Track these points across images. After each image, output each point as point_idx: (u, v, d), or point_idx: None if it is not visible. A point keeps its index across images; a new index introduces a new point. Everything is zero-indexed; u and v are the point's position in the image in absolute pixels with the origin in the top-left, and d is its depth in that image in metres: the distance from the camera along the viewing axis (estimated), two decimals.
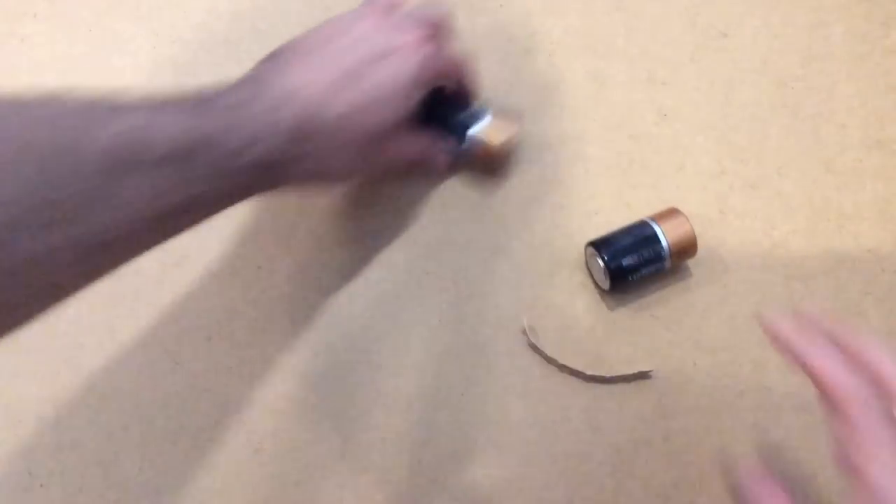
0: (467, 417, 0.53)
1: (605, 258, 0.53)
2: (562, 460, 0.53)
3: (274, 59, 0.47)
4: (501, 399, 0.54)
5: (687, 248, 0.54)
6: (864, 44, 0.64)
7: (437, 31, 0.52)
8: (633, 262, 0.53)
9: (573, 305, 0.56)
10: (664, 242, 0.53)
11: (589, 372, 0.54)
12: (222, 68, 0.61)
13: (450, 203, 0.58)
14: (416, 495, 0.52)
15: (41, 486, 0.51)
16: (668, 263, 0.54)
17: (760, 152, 0.61)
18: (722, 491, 0.52)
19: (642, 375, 0.54)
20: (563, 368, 0.54)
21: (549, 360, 0.54)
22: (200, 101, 0.42)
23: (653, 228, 0.54)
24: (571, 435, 0.53)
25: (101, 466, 0.52)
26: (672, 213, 0.55)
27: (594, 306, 0.56)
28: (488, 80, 0.61)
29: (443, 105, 0.54)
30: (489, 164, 0.59)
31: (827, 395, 0.37)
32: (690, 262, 0.57)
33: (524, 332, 0.55)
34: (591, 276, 0.57)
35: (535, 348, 0.55)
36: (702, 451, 0.53)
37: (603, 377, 0.54)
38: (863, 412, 0.36)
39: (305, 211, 0.57)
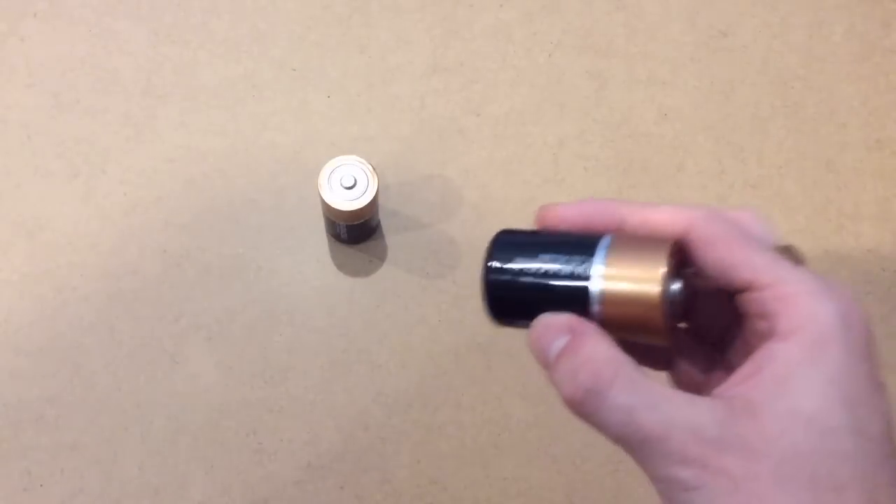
0: (467, 417, 0.53)
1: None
2: (562, 460, 0.53)
3: None
4: (501, 399, 0.54)
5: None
6: (864, 44, 0.64)
7: None
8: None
9: None
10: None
11: None
12: (222, 68, 0.61)
13: (450, 203, 0.58)
14: (416, 495, 0.52)
15: (41, 486, 0.51)
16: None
17: (760, 152, 0.61)
18: None
19: None
20: None
21: None
22: None
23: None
24: (571, 435, 0.53)
25: (101, 466, 0.52)
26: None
27: None
28: (489, 80, 0.61)
29: None
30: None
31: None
32: None
33: None
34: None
35: None
36: None
37: None
38: None
39: (306, 212, 0.57)
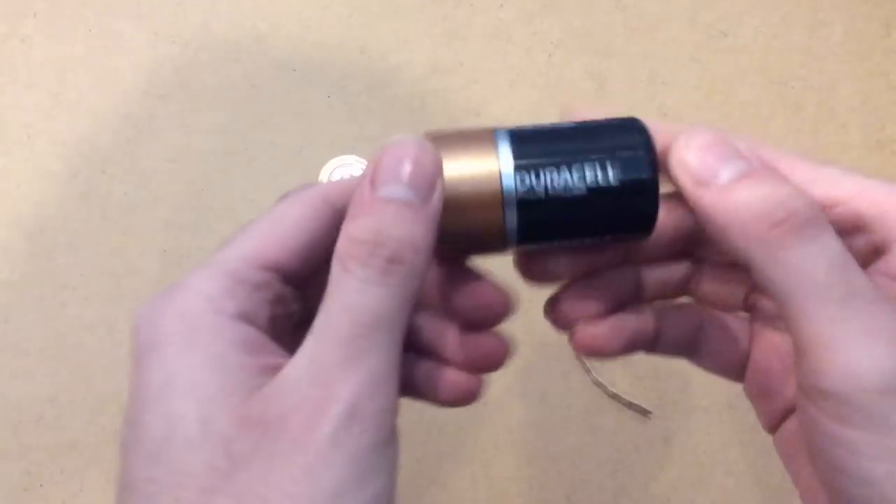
0: (467, 418, 0.53)
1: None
2: (562, 460, 0.53)
3: None
4: (502, 399, 0.54)
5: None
6: (864, 44, 0.64)
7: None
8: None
9: None
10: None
11: (612, 389, 0.54)
12: (222, 68, 0.61)
13: None
14: (416, 495, 0.52)
15: (41, 486, 0.51)
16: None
17: None
18: (722, 491, 0.52)
19: (642, 411, 0.53)
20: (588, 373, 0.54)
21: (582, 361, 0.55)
22: None
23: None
24: (571, 435, 0.53)
25: (101, 466, 0.52)
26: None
27: None
28: (489, 81, 0.61)
29: None
30: None
31: None
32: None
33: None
34: None
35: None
36: (702, 451, 0.53)
37: (606, 388, 0.54)
38: None
39: None
